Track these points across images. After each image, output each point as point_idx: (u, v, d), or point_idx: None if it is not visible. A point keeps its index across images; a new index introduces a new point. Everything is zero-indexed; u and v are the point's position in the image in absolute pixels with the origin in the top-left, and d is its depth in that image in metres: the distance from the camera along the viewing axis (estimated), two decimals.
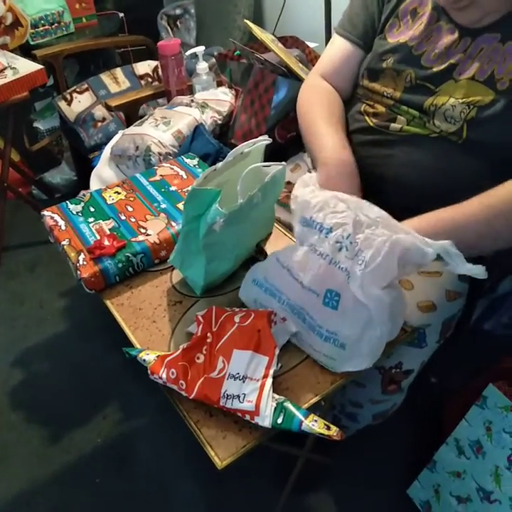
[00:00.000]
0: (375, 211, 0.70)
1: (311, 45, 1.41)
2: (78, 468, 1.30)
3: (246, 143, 0.82)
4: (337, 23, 1.08)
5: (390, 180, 0.94)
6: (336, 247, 0.71)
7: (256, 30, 1.28)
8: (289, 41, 1.41)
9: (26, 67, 1.64)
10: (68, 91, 1.73)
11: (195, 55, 1.47)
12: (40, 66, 1.67)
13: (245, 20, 1.33)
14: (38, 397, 1.47)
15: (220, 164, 0.79)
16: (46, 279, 1.84)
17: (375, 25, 1.00)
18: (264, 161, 0.87)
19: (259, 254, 0.95)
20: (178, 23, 1.97)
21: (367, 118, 0.99)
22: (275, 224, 0.99)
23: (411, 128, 0.93)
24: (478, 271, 0.65)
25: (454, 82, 0.88)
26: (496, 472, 1.01)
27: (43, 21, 1.95)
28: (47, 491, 1.26)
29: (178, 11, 1.96)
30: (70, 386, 1.49)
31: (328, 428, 0.66)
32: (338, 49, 1.06)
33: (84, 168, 1.55)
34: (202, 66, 1.43)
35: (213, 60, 1.54)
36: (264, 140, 0.84)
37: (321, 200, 0.73)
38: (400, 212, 0.75)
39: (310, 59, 1.40)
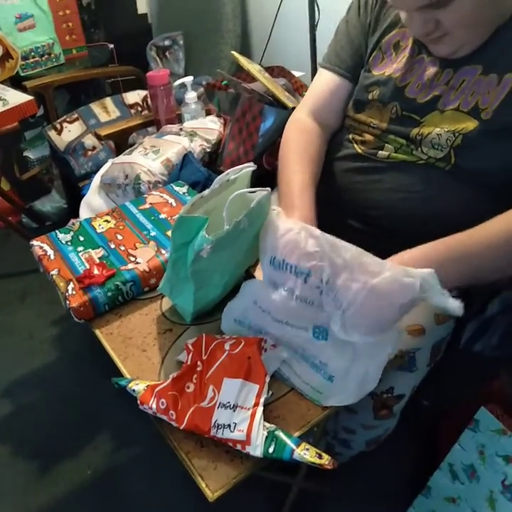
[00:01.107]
0: (348, 249, 0.67)
1: (297, 74, 1.44)
2: (67, 501, 1.27)
3: (232, 169, 0.83)
4: (322, 58, 1.10)
5: (378, 205, 0.94)
6: (316, 291, 0.70)
7: (242, 60, 1.30)
8: (275, 71, 1.44)
9: (16, 98, 1.66)
10: (58, 121, 1.75)
11: (183, 85, 1.50)
12: (30, 97, 1.69)
13: (232, 52, 1.36)
14: (26, 429, 1.45)
15: (207, 191, 0.80)
16: (36, 308, 1.83)
17: (362, 58, 1.03)
18: (252, 187, 0.88)
19: (248, 279, 0.95)
20: (167, 53, 2.01)
21: (355, 145, 1.01)
22: None
23: (399, 155, 0.94)
24: (454, 306, 0.65)
25: (439, 113, 0.90)
26: (491, 497, 1.00)
27: (33, 53, 1.99)
28: None
29: (167, 42, 2.00)
30: (60, 417, 1.47)
31: (320, 457, 0.65)
32: (325, 83, 1.07)
33: (75, 196, 1.56)
34: (190, 95, 1.45)
35: (202, 89, 1.57)
36: (249, 167, 0.85)
37: (291, 239, 0.72)
38: (388, 238, 0.75)
39: (296, 88, 1.43)
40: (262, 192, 0.84)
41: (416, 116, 0.92)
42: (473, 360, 1.15)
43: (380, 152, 0.96)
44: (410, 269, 0.64)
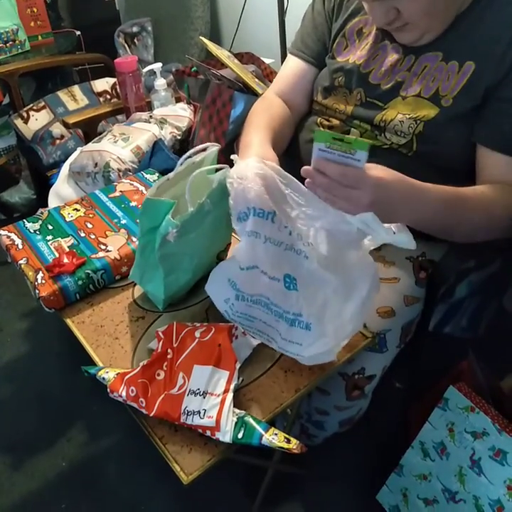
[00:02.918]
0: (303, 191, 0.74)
1: (267, 61, 1.44)
2: (43, 494, 1.26)
3: (195, 149, 0.80)
4: (290, 44, 1.11)
5: None
6: (285, 231, 0.73)
7: (211, 46, 1.29)
8: (245, 57, 1.43)
9: None
10: (25, 109, 1.71)
11: (153, 72, 1.48)
12: None
13: (201, 37, 1.35)
14: None
15: (172, 174, 0.79)
16: (5, 301, 1.80)
17: (326, 44, 1.04)
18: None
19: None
20: (135, 40, 1.98)
21: (322, 129, 1.02)
22: (233, 234, 1.00)
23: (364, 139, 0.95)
24: (404, 239, 0.70)
25: (402, 99, 0.91)
26: (460, 472, 1.03)
27: None
28: None
29: (135, 29, 1.96)
30: (32, 410, 1.45)
31: (289, 441, 0.66)
32: (291, 68, 1.10)
33: (43, 186, 1.53)
34: (160, 82, 1.44)
35: (171, 76, 1.55)
36: (213, 146, 0.84)
37: (247, 186, 0.73)
38: None
39: (266, 74, 1.42)
40: (222, 171, 0.82)
41: (379, 102, 0.94)
42: (443, 342, 1.18)
43: (346, 136, 0.97)
44: (347, 216, 0.71)
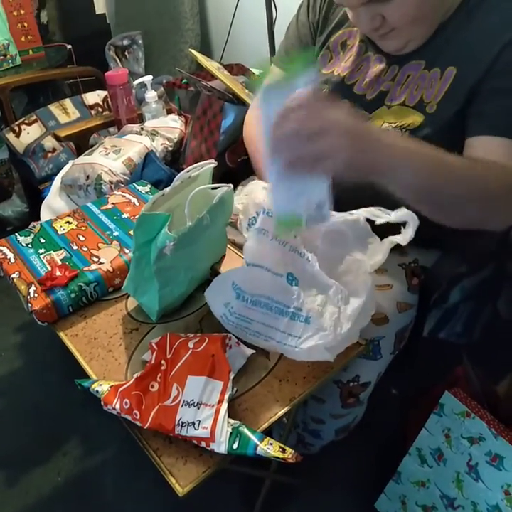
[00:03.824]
0: None
1: (257, 72, 1.45)
2: (39, 509, 1.25)
3: (192, 166, 0.83)
4: (275, 55, 1.11)
5: (339, 201, 0.95)
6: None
7: (201, 58, 1.31)
8: (234, 69, 1.44)
9: None
10: (16, 123, 1.72)
11: (143, 85, 1.49)
12: None
13: (190, 50, 1.36)
14: None
15: (168, 189, 0.80)
16: None
17: None
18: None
19: (214, 276, 0.95)
20: (126, 53, 1.99)
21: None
22: (228, 246, 1.00)
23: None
24: (404, 213, 0.73)
25: (387, 108, 0.92)
26: (458, 478, 1.03)
27: None
28: None
29: (125, 42, 1.98)
30: (27, 424, 1.44)
31: (284, 451, 0.66)
32: None
33: (36, 200, 1.53)
34: (151, 95, 1.44)
35: (162, 89, 1.56)
36: (210, 163, 0.86)
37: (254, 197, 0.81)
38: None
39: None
40: (224, 188, 0.84)
41: (364, 111, 0.94)
42: (437, 348, 1.18)
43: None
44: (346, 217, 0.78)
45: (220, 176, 0.95)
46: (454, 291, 1.20)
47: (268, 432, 0.72)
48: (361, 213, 0.79)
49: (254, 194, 0.84)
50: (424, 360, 1.20)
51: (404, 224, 0.75)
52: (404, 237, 0.77)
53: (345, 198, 0.93)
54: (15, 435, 1.41)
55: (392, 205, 0.76)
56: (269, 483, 1.05)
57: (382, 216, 0.76)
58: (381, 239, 0.80)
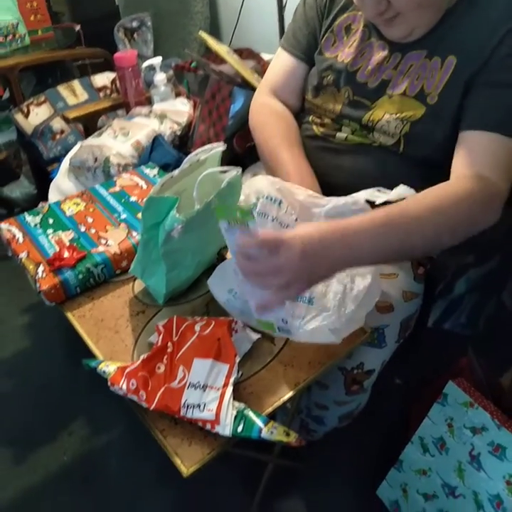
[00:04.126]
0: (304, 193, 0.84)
1: (266, 56, 1.43)
2: (45, 487, 1.26)
3: (201, 149, 0.83)
4: (282, 38, 1.10)
5: (340, 189, 0.94)
6: (292, 217, 0.78)
7: (210, 41, 1.29)
8: (244, 53, 1.42)
9: None
10: (25, 104, 1.71)
11: (152, 67, 1.48)
12: None
13: (200, 32, 1.35)
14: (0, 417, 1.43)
15: (176, 171, 0.80)
16: (6, 295, 1.80)
17: (317, 40, 1.03)
18: None
19: (220, 261, 0.95)
20: (135, 35, 1.97)
21: (314, 127, 1.03)
22: None
23: (355, 137, 0.96)
24: (402, 190, 0.76)
25: (388, 97, 0.91)
26: (459, 467, 1.03)
27: None
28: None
29: (134, 24, 1.96)
30: (34, 404, 1.45)
31: (288, 435, 0.66)
32: (283, 64, 1.08)
33: (44, 181, 1.53)
34: (159, 77, 1.43)
35: (171, 72, 1.55)
36: (219, 146, 0.85)
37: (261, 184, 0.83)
38: None
39: (265, 70, 1.41)
40: (233, 171, 0.84)
41: (366, 100, 0.94)
42: (442, 338, 1.18)
43: (338, 134, 0.98)
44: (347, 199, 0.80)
45: (227, 162, 0.94)
46: (459, 281, 1.20)
47: (272, 417, 0.72)
48: (361, 195, 0.80)
49: (255, 183, 0.85)
50: (428, 350, 1.20)
51: None
52: None
53: (345, 185, 0.93)
54: (22, 414, 1.43)
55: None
56: (272, 467, 1.06)
57: (382, 195, 0.77)
58: None
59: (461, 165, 0.82)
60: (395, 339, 0.95)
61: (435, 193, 0.76)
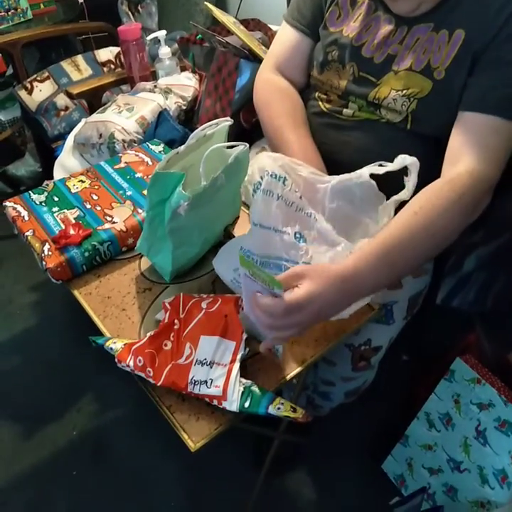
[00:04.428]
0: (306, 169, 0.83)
1: (274, 27, 1.40)
2: (54, 462, 1.29)
3: (208, 124, 0.81)
4: (286, 11, 1.07)
5: (346, 166, 0.93)
6: (296, 194, 0.78)
7: (216, 12, 1.26)
8: (251, 24, 1.39)
9: None
10: (28, 80, 1.68)
11: (157, 41, 1.45)
12: None
13: (206, 3, 1.31)
14: (9, 393, 1.45)
15: (182, 147, 0.79)
16: (14, 274, 1.81)
17: (322, 14, 1.00)
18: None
19: (227, 238, 0.95)
20: (139, 8, 1.93)
21: (320, 103, 1.00)
22: (242, 208, 0.99)
23: (362, 113, 0.94)
24: (401, 160, 0.78)
25: (394, 74, 0.89)
26: (465, 443, 1.04)
27: None
28: (23, 487, 1.25)
29: None
30: (42, 380, 1.47)
31: (294, 410, 0.66)
32: (287, 38, 1.05)
33: (49, 158, 1.51)
34: (164, 51, 1.40)
35: (176, 45, 1.51)
36: (226, 121, 0.84)
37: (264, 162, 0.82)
38: None
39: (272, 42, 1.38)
40: (239, 147, 0.83)
41: (372, 77, 0.91)
42: (450, 315, 1.17)
43: (345, 110, 0.96)
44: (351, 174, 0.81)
45: (234, 137, 0.93)
46: (468, 259, 1.19)
47: (278, 394, 0.72)
48: (364, 170, 0.81)
49: (258, 161, 0.84)
50: (436, 327, 1.19)
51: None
52: (408, 187, 0.80)
53: (351, 162, 0.92)
54: (31, 391, 1.45)
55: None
56: (278, 442, 1.07)
57: (384, 168, 0.79)
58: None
59: (456, 150, 0.81)
60: (403, 316, 0.95)
61: (426, 206, 0.76)
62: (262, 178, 0.76)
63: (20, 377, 1.49)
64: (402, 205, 0.80)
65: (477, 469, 1.01)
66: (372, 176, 0.83)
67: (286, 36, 1.05)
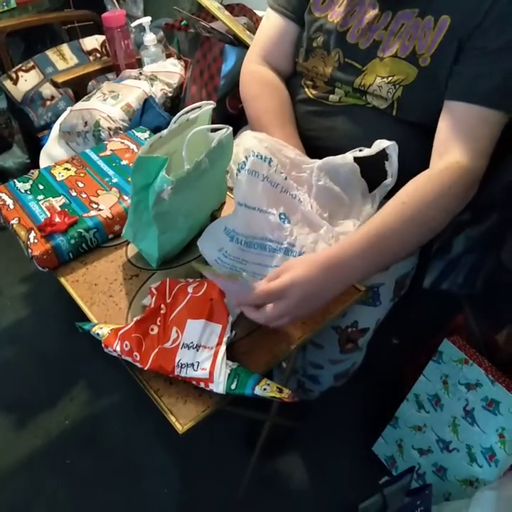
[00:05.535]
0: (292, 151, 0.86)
1: (259, 13, 1.39)
2: (47, 451, 1.30)
3: (190, 106, 0.81)
4: None
5: (332, 152, 0.92)
6: (281, 176, 0.78)
7: None
8: (235, 9, 1.38)
9: None
10: (13, 70, 1.67)
11: (142, 28, 1.44)
12: None
13: None
14: (1, 384, 1.45)
15: (165, 131, 0.78)
16: (4, 265, 1.80)
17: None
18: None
19: None
20: None
21: (307, 90, 1.00)
22: (228, 193, 0.99)
23: (349, 99, 0.94)
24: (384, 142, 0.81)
25: (379, 60, 0.88)
26: (454, 422, 1.05)
27: None
28: (17, 475, 1.25)
29: None
30: (34, 370, 1.48)
31: (281, 391, 0.67)
32: (273, 25, 1.03)
33: (36, 149, 1.50)
34: (149, 38, 1.39)
35: (162, 33, 1.50)
36: (209, 104, 0.83)
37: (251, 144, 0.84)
38: None
39: (258, 27, 1.37)
40: (223, 130, 0.82)
41: (357, 64, 0.91)
42: (438, 296, 1.18)
43: (331, 96, 0.96)
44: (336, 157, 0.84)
45: (220, 122, 0.92)
46: (456, 240, 1.19)
47: (269, 377, 0.73)
48: (347, 154, 0.83)
49: (244, 141, 0.85)
50: (424, 309, 1.20)
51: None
52: (390, 172, 0.82)
53: (337, 148, 0.92)
54: (24, 381, 1.45)
55: None
56: (270, 425, 1.08)
57: (364, 152, 0.82)
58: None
59: (444, 141, 0.82)
60: (389, 297, 0.96)
61: (414, 196, 0.77)
62: (246, 158, 0.77)
63: (13, 367, 1.49)
64: (391, 193, 0.81)
65: (465, 448, 1.03)
66: (358, 164, 0.84)
67: (271, 23, 1.04)
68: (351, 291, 0.83)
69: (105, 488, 1.22)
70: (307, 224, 0.78)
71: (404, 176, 0.81)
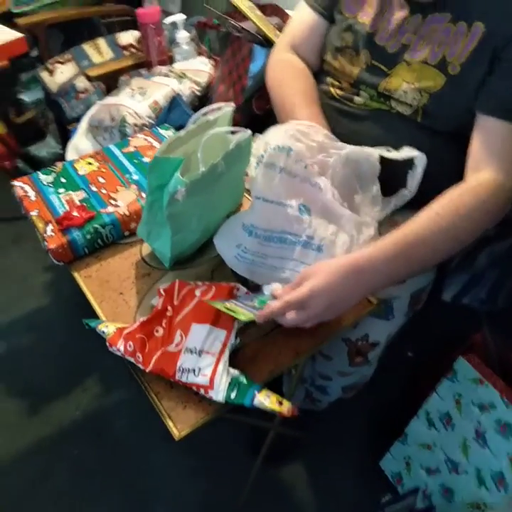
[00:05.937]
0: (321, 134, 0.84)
1: (292, 13, 1.37)
2: (57, 439, 1.32)
3: (209, 107, 0.80)
4: None
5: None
6: (301, 165, 0.77)
7: None
8: (268, 9, 1.37)
9: (5, 35, 1.60)
10: (51, 61, 1.70)
11: (176, 25, 1.44)
12: (20, 35, 1.63)
13: None
14: (18, 370, 1.48)
15: (182, 131, 0.78)
16: (30, 253, 1.84)
17: None
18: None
19: None
20: None
21: (332, 89, 0.99)
22: (245, 195, 0.98)
23: (373, 103, 0.92)
24: (408, 152, 0.81)
25: (406, 64, 0.86)
26: (464, 444, 1.02)
27: None
28: (25, 461, 1.28)
29: None
30: (51, 359, 1.50)
31: (281, 404, 0.66)
32: (305, 18, 1.03)
33: (68, 140, 1.53)
34: (182, 35, 1.40)
35: (194, 31, 1.51)
36: (229, 106, 0.82)
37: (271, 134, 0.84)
38: None
39: None
40: (241, 133, 0.81)
41: (384, 67, 0.89)
42: (456, 312, 1.15)
43: (356, 98, 0.95)
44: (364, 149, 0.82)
45: (246, 124, 0.91)
46: (481, 255, 1.16)
47: (279, 385, 0.72)
48: (375, 150, 0.83)
49: (266, 135, 0.84)
50: (441, 324, 1.17)
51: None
52: (410, 184, 0.80)
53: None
54: (39, 369, 1.48)
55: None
56: (273, 435, 1.07)
57: (391, 154, 0.81)
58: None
59: (478, 157, 0.80)
60: (403, 312, 0.93)
61: (448, 208, 0.75)
62: (264, 152, 0.76)
63: (30, 353, 1.52)
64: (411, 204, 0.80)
65: (475, 471, 1.00)
66: (379, 163, 0.83)
67: (303, 17, 1.04)
68: (364, 303, 0.81)
69: (110, 481, 1.24)
70: (328, 213, 0.78)
71: (428, 183, 0.79)
